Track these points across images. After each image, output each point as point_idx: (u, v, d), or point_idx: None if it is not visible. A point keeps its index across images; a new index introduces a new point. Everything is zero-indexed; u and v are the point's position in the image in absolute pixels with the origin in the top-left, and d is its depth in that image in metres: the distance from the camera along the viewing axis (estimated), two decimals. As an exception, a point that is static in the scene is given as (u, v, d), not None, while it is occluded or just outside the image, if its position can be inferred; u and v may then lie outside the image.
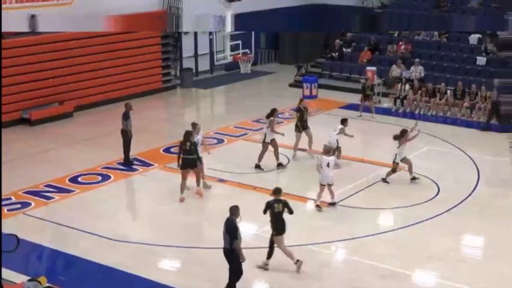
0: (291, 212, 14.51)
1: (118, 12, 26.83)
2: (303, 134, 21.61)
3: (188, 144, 18.14)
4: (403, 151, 19.46)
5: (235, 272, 13.26)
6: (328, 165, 17.52)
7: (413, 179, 19.50)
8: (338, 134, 20.72)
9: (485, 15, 30.11)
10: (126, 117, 20.90)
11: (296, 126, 21.61)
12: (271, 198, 14.65)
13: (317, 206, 17.70)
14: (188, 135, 18.20)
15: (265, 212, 14.45)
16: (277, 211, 14.31)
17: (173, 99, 30.65)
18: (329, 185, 17.70)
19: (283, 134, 20.67)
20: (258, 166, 20.57)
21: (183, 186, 18.40)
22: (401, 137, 19.44)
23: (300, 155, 21.60)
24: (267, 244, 15.57)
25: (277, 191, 14.56)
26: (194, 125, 19.08)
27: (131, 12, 27.63)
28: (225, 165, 20.70)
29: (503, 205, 18.23)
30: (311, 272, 14.50)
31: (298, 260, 14.41)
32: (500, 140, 23.78)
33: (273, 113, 20.69)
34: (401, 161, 19.50)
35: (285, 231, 14.36)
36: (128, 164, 20.99)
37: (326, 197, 17.91)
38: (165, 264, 15.23)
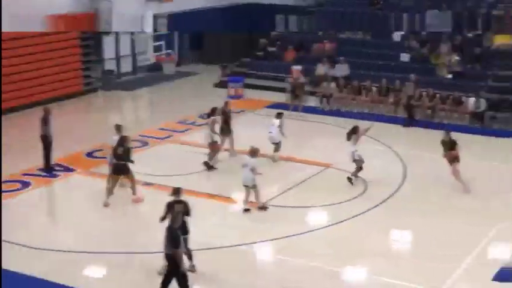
0: (188, 213, 14.14)
1: (43, 13, 25.93)
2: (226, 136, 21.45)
3: (121, 149, 17.75)
4: (358, 148, 19.29)
5: (182, 275, 12.77)
6: (246, 165, 17.27)
7: (349, 179, 19.29)
8: (278, 127, 20.72)
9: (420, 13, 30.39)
10: (45, 121, 20.23)
11: (221, 129, 21.28)
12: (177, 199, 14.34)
13: (246, 209, 17.36)
14: (122, 140, 17.86)
15: (165, 215, 14.03)
16: (179, 211, 13.98)
17: (95, 102, 29.94)
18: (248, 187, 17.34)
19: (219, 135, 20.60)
20: (210, 166, 20.34)
21: (109, 191, 17.85)
22: (353, 133, 19.26)
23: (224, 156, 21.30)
24: (198, 246, 15.39)
25: (176, 192, 14.30)
26: (118, 126, 18.71)
27: (56, 13, 26.71)
28: (150, 168, 20.17)
29: (429, 200, 18.34)
30: (243, 272, 14.31)
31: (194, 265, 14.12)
32: (423, 135, 24.10)
33: (213, 112, 20.51)
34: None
35: (187, 233, 14.02)
36: (49, 170, 20.28)
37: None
38: (90, 271, 14.69)
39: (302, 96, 26.69)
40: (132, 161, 17.93)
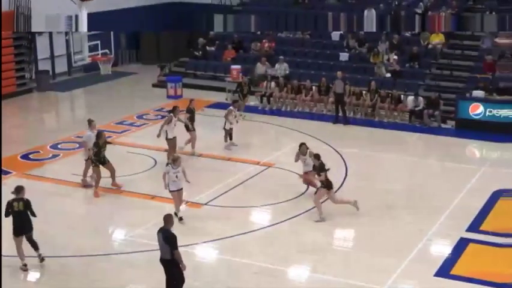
0: (32, 213, 14.28)
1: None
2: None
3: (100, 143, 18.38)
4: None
5: (177, 281, 12.62)
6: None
7: None
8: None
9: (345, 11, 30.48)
10: None
11: (186, 126, 21.31)
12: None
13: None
14: (99, 135, 18.47)
15: (7, 213, 14.11)
16: (16, 210, 14.08)
17: (29, 103, 29.11)
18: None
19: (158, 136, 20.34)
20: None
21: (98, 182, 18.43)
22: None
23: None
24: (139, 248, 15.16)
25: (17, 190, 14.32)
26: (90, 121, 19.20)
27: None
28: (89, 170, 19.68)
29: (371, 196, 18.32)
30: (186, 273, 13.92)
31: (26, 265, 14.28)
32: (364, 133, 24.28)
33: (174, 110, 20.57)
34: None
35: (25, 233, 14.17)
36: None
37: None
38: (28, 276, 14.36)
39: (248, 96, 26.62)
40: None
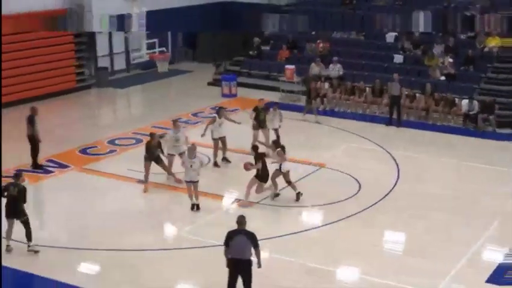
0: (24, 200, 14.97)
1: (16, 10, 25.84)
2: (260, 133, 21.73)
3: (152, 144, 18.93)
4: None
5: (250, 283, 12.78)
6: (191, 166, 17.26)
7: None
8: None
9: (391, 12, 30.45)
10: (32, 121, 20.11)
11: (253, 124, 21.74)
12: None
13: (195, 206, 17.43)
14: (152, 136, 19.09)
15: (1, 195, 14.84)
16: (11, 194, 14.81)
17: (88, 99, 29.87)
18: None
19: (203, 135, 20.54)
20: (215, 163, 20.66)
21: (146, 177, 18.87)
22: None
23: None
24: (190, 244, 15.45)
25: (16, 175, 15.18)
26: (174, 121, 19.82)
27: (31, 11, 26.66)
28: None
29: (422, 200, 18.37)
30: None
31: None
32: (416, 136, 24.16)
33: (218, 111, 21.01)
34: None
35: (15, 217, 14.89)
36: (36, 168, 20.18)
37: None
38: (85, 268, 14.74)
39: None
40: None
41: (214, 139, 20.67)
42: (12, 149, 21.52)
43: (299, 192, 18.20)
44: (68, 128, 24.78)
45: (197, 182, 17.31)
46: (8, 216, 14.96)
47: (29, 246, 15.04)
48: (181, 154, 19.09)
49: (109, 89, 30.93)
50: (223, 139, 20.75)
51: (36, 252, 15.04)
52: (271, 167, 18.22)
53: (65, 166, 20.57)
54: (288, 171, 18.31)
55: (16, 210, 14.91)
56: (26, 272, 14.33)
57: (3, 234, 14.96)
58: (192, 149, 17.44)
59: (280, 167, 18.19)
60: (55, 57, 29.02)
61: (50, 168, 20.31)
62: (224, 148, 20.86)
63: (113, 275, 14.42)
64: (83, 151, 22.06)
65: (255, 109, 21.95)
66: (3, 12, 24.58)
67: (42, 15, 27.31)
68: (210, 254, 14.67)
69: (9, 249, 15.06)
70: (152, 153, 18.86)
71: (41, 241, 15.51)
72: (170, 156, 19.48)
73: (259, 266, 12.70)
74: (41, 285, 14.06)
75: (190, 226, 16.56)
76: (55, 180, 19.66)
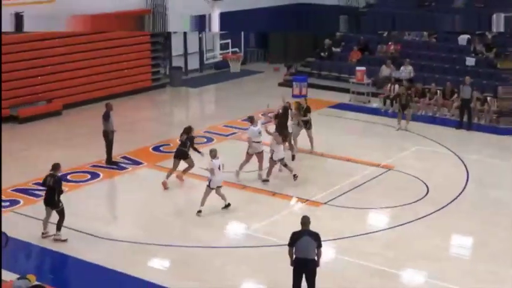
0: (59, 190, 15.65)
1: (101, 10, 26.51)
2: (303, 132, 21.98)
3: (184, 136, 19.26)
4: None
5: (314, 282, 13.01)
6: (219, 167, 17.33)
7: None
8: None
9: (470, 15, 30.16)
10: (107, 117, 20.66)
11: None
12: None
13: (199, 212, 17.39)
14: (187, 129, 19.40)
15: (43, 183, 15.83)
16: (48, 184, 15.64)
17: (162, 97, 30.59)
18: (218, 188, 17.48)
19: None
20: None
21: (169, 173, 19.28)
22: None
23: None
24: (256, 243, 15.70)
25: (53, 167, 15.77)
26: (250, 117, 20.12)
27: (114, 11, 27.28)
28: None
29: (491, 205, 18.26)
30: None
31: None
32: (487, 140, 23.92)
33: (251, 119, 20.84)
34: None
35: (49, 206, 15.68)
36: (111, 164, 20.78)
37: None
38: (153, 263, 15.17)
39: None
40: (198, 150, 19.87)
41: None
42: (89, 145, 22.39)
43: (295, 175, 19.20)
44: (143, 125, 25.50)
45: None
46: (46, 204, 15.86)
47: (55, 235, 15.77)
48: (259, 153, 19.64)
49: (182, 88, 31.61)
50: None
51: (63, 240, 15.69)
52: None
53: (139, 163, 21.17)
54: (282, 159, 19.09)
55: (51, 200, 15.70)
56: (95, 264, 14.79)
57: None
58: (212, 151, 17.57)
59: (272, 155, 18.98)
60: (132, 57, 29.85)
61: (124, 165, 20.91)
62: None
63: (178, 270, 14.77)
64: (156, 148, 22.60)
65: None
66: (88, 12, 25.56)
67: (126, 15, 28.07)
68: (275, 253, 14.89)
69: (44, 236, 15.84)
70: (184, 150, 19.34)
71: (110, 235, 16.12)
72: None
73: (318, 265, 12.91)
74: (109, 278, 14.45)
75: (257, 225, 16.82)
76: (128, 176, 20.26)
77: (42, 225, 15.95)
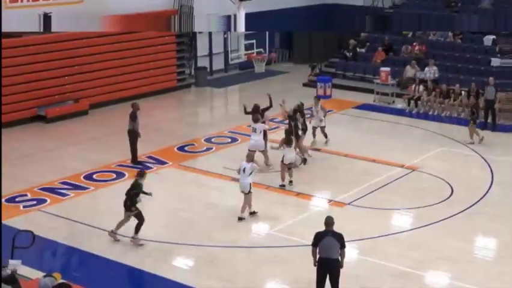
0: (136, 195, 15.77)
1: (128, 11, 26.75)
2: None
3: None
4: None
5: (338, 282, 13.10)
6: (244, 170, 17.10)
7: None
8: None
9: (497, 15, 29.99)
10: (133, 117, 20.80)
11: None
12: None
13: (239, 218, 17.24)
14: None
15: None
16: (128, 189, 15.84)
17: (187, 98, 30.77)
18: (244, 194, 17.21)
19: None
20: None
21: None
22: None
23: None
24: (280, 243, 15.79)
25: (139, 175, 15.97)
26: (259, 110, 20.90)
27: (141, 11, 27.50)
28: (239, 165, 20.66)
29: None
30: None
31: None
32: (510, 140, 23.83)
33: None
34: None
35: (126, 210, 15.69)
36: (136, 164, 20.90)
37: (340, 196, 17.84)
38: (178, 262, 15.32)
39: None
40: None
41: None
42: (115, 145, 22.61)
43: (291, 181, 19.15)
44: (168, 125, 25.67)
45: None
46: (125, 209, 15.91)
47: (133, 237, 15.73)
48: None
49: (207, 89, 31.77)
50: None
51: (140, 245, 15.69)
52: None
53: (164, 162, 21.33)
54: (291, 163, 18.99)
55: (127, 204, 15.77)
56: (119, 263, 14.99)
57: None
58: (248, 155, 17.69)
59: (283, 158, 18.96)
60: (158, 57, 30.05)
61: (149, 164, 21.06)
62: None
63: (204, 270, 14.85)
64: (181, 148, 22.75)
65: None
66: (116, 12, 25.81)
67: (153, 15, 28.30)
68: (299, 253, 14.99)
69: (111, 235, 15.92)
70: None
71: (143, 235, 16.14)
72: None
73: (342, 266, 12.96)
74: (134, 277, 14.68)
75: (281, 225, 16.88)
76: (153, 176, 20.33)
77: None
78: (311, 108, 23.14)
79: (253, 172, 17.15)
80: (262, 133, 20.35)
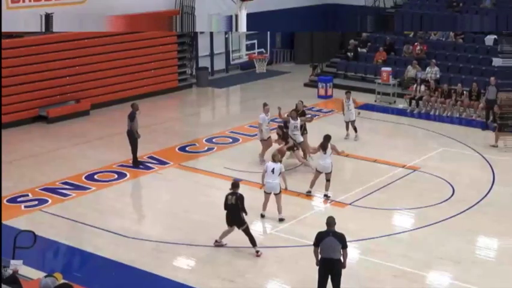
0: (243, 209, 15.04)
1: (130, 11, 26.77)
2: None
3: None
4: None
5: (339, 282, 13.08)
6: (273, 171, 16.91)
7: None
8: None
9: (499, 15, 29.96)
10: (132, 117, 20.75)
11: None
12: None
13: (262, 215, 17.26)
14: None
15: (225, 205, 15.15)
16: (229, 203, 15.01)
17: (189, 98, 30.77)
18: (275, 194, 17.10)
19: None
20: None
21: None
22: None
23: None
24: (281, 243, 15.84)
25: (233, 185, 15.23)
26: (264, 104, 21.30)
27: (143, 12, 27.52)
28: (240, 165, 20.78)
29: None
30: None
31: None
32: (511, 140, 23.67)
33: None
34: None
35: (235, 225, 15.12)
36: (136, 165, 20.89)
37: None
38: (179, 262, 15.30)
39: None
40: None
41: (264, 140, 21.19)
42: (116, 145, 22.61)
43: (326, 195, 18.55)
44: (169, 125, 25.67)
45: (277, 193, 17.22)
46: (228, 224, 15.31)
47: (257, 252, 15.23)
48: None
49: (208, 89, 31.79)
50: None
51: (258, 255, 15.21)
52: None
53: (165, 163, 21.32)
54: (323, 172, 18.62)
55: (235, 219, 15.15)
56: (121, 263, 14.96)
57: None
58: (275, 155, 17.34)
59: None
60: (159, 57, 30.09)
61: (150, 165, 21.06)
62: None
63: (204, 270, 14.84)
64: (182, 148, 22.76)
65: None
66: (117, 12, 25.83)
67: (154, 15, 28.27)
68: (301, 253, 15.00)
69: (216, 245, 15.60)
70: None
71: (137, 234, 16.30)
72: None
73: (344, 266, 12.96)
74: (135, 276, 14.57)
75: (282, 225, 16.86)
76: (154, 176, 20.42)
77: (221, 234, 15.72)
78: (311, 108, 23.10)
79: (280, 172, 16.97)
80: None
